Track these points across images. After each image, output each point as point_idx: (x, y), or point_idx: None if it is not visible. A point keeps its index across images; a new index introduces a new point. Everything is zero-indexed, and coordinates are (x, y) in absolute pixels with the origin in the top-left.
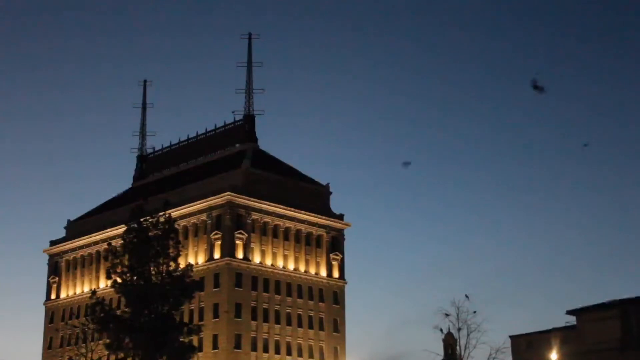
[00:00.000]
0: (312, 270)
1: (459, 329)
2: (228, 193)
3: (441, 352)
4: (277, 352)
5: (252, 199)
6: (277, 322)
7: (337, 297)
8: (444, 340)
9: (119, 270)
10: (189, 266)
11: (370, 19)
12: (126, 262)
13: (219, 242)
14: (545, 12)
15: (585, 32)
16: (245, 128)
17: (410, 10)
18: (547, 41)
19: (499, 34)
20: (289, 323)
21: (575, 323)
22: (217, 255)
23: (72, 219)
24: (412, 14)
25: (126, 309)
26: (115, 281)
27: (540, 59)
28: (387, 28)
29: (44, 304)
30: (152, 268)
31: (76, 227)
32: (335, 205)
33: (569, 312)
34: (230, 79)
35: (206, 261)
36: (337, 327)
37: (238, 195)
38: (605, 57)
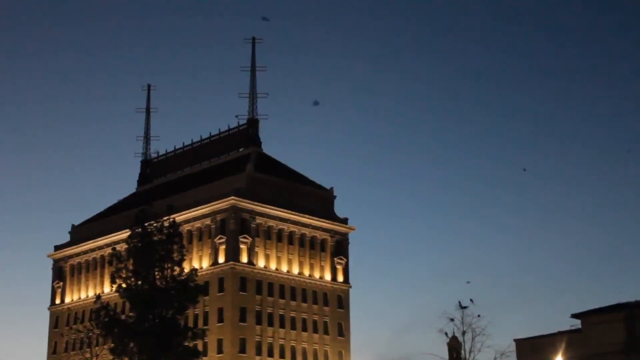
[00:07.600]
0: (317, 274)
1: (464, 333)
2: (232, 197)
3: (446, 355)
4: (282, 356)
5: (256, 203)
6: (282, 326)
7: (341, 301)
8: (449, 344)
9: (123, 274)
10: (194, 270)
11: (373, 24)
12: (130, 267)
13: (223, 247)
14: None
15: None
16: (248, 132)
17: (412, 16)
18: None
19: (500, 39)
20: (293, 327)
21: (580, 326)
22: (221, 259)
23: (76, 223)
24: (414, 19)
25: (131, 314)
26: (119, 286)
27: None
28: (390, 34)
29: (49, 308)
30: (156, 272)
31: (80, 232)
32: (339, 209)
33: (574, 316)
34: (233, 83)
35: (210, 265)
36: (342, 331)
37: (242, 199)
38: (600, 60)
